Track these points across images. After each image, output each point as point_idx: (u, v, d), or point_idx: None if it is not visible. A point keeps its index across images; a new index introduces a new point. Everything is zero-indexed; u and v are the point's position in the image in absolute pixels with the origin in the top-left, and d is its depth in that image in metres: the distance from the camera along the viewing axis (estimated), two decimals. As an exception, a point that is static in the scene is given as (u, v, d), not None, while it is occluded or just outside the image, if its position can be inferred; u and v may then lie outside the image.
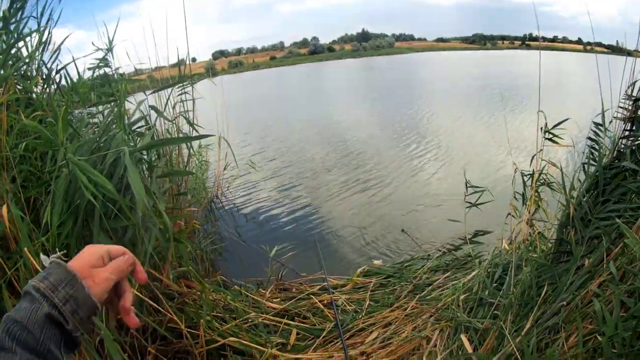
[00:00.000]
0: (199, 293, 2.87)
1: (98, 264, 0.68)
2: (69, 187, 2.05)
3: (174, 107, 3.25)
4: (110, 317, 0.74)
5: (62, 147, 1.97)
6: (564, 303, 2.09)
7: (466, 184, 3.63)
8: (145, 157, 2.62)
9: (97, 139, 2.37)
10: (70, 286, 0.63)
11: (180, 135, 3.27)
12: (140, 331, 2.48)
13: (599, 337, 1.83)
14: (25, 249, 1.77)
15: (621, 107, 2.61)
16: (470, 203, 3.57)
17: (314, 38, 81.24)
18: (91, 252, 0.69)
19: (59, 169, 2.06)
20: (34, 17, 2.80)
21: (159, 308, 2.44)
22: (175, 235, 2.44)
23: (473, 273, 3.33)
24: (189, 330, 2.52)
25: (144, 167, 2.58)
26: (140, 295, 2.32)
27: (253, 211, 5.29)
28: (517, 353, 2.01)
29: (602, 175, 2.52)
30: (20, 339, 0.58)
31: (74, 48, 3.02)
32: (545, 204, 3.24)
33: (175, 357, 2.66)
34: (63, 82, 2.97)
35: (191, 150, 3.70)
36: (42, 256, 0.68)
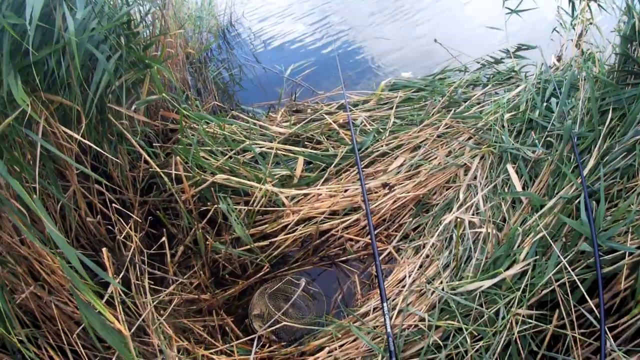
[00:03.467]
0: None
1: None
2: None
3: None
4: None
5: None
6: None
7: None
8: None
9: None
10: None
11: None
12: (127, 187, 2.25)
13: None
14: None
15: None
16: (510, 9, 3.15)
17: None
18: None
19: None
20: None
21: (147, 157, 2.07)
22: (141, 57, 1.97)
23: (519, 88, 2.76)
24: (177, 173, 2.08)
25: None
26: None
27: (272, 36, 4.45)
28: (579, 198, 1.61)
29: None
30: None
31: None
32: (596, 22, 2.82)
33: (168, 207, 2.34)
34: None
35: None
36: None
